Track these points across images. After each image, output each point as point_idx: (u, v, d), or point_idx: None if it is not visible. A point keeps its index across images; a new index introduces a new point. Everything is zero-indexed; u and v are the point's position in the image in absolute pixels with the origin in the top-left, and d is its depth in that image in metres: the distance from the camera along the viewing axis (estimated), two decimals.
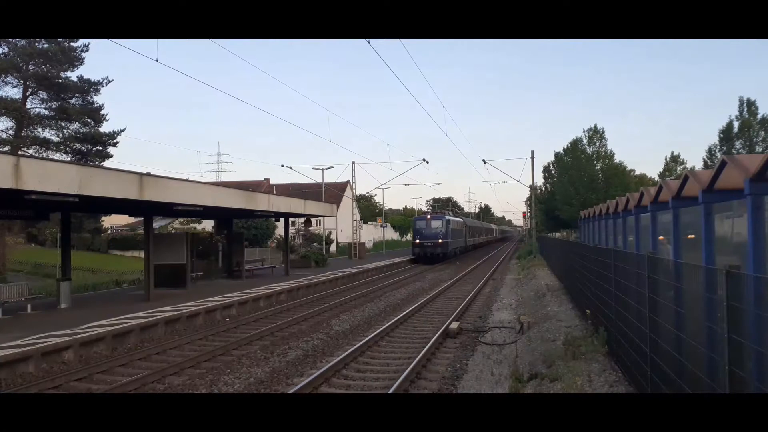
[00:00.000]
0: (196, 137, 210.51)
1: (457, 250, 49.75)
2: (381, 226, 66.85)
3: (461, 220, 58.40)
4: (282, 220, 30.83)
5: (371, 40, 17.96)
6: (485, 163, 43.84)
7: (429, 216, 45.62)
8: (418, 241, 43.20)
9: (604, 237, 19.73)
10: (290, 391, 8.98)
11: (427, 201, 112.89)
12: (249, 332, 14.64)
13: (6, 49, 34.33)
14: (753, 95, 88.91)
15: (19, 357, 10.60)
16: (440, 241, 42.69)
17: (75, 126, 36.41)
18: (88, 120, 36.42)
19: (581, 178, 49.75)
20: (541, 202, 56.49)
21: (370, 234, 73.18)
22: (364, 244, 50.08)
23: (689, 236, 9.58)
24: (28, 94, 35.70)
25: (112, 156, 38.58)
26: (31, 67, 35.10)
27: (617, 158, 54.19)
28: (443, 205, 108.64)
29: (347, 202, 59.19)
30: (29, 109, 35.68)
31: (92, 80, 36.39)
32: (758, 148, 37.74)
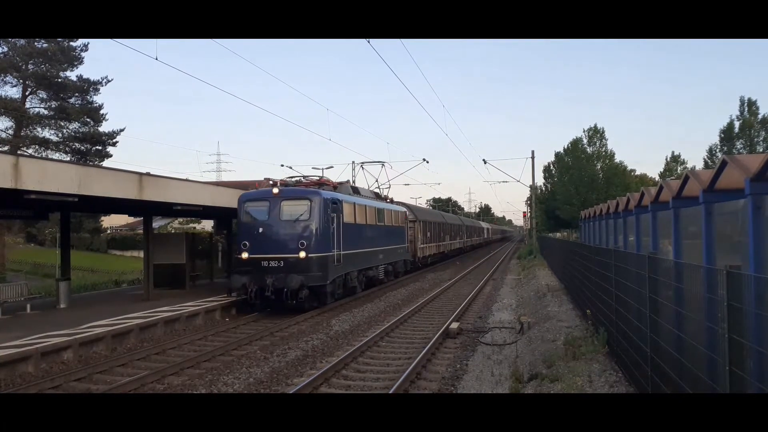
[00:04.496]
0: (196, 137, 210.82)
1: (381, 272, 24.19)
2: None
3: (402, 209, 29.98)
4: None
5: (371, 40, 17.94)
6: (485, 163, 43.59)
7: (277, 190, 17.92)
8: (245, 256, 17.29)
9: (605, 237, 19.72)
10: (290, 392, 8.97)
11: (428, 201, 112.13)
12: (249, 332, 14.63)
13: (6, 49, 34.36)
14: (754, 95, 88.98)
15: (19, 357, 10.59)
16: (302, 256, 17.02)
17: (74, 125, 36.46)
18: (88, 119, 36.47)
19: (582, 178, 49.80)
20: (541, 201, 56.50)
21: None
22: None
23: None
24: (27, 93, 35.72)
25: (111, 156, 38.74)
26: (30, 66, 35.12)
27: (618, 158, 54.34)
28: (443, 205, 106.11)
29: None
30: (29, 108, 35.70)
31: (92, 80, 36.46)
32: (759, 148, 37.79)
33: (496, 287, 25.59)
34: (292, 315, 16.88)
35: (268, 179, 18.86)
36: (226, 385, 9.88)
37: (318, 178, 20.85)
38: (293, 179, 20.29)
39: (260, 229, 17.47)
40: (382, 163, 31.01)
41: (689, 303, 5.35)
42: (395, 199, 32.86)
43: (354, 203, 20.96)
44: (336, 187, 20.78)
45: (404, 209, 30.95)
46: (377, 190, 29.51)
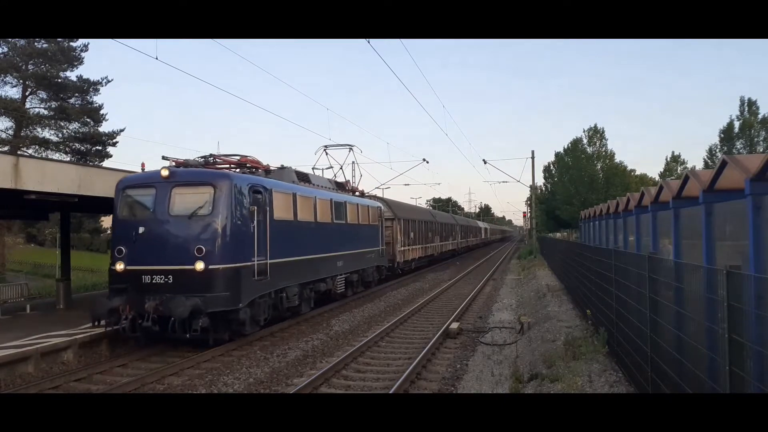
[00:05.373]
0: (196, 137, 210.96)
1: (340, 284, 19.05)
2: None
3: (375, 204, 24.89)
4: None
5: (371, 40, 17.94)
6: (485, 163, 43.58)
7: (167, 172, 12.21)
8: (120, 267, 11.87)
9: (605, 237, 19.74)
10: (290, 392, 8.97)
11: (428, 201, 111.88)
12: (248, 332, 14.60)
13: (6, 49, 34.37)
14: (754, 95, 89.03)
15: (19, 357, 10.59)
16: (200, 267, 11.47)
17: (74, 126, 36.44)
18: (88, 120, 36.46)
19: (582, 178, 49.79)
20: (541, 202, 56.50)
21: None
22: None
23: None
24: (27, 93, 35.71)
25: (111, 156, 38.72)
26: (30, 66, 35.11)
27: (618, 158, 54.37)
28: (443, 205, 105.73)
29: None
30: (29, 108, 35.69)
31: (91, 80, 36.46)
32: (759, 148, 37.81)
33: (496, 287, 25.59)
34: (174, 352, 12.16)
35: (165, 157, 13.76)
36: (226, 386, 9.88)
37: (239, 157, 15.04)
38: (200, 159, 14.60)
39: (141, 229, 12.04)
40: (350, 147, 24.90)
41: (689, 303, 5.35)
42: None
43: (293, 194, 15.28)
44: (269, 171, 15.55)
45: (378, 204, 25.09)
46: (344, 180, 23.81)
